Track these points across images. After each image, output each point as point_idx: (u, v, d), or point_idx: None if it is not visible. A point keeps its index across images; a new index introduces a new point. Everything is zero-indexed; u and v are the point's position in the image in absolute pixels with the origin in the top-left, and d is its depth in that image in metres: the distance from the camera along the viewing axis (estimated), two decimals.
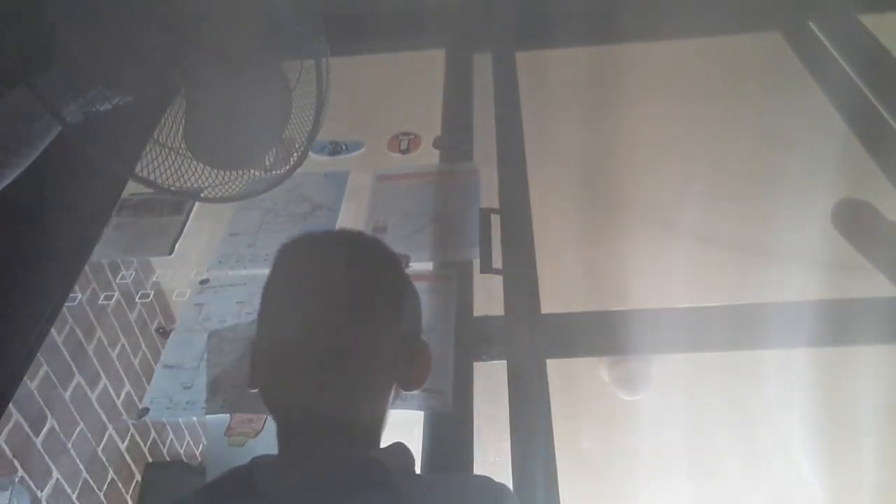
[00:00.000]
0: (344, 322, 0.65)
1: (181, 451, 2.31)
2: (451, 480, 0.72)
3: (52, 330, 1.29)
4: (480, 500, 0.62)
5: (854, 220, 0.82)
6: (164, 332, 2.15)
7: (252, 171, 0.97)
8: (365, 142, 1.45)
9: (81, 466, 1.84)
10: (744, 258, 1.66)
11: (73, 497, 1.80)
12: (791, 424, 1.77)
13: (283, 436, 0.67)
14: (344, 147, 1.43)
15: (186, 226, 1.25)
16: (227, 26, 0.84)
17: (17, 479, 1.60)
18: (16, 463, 1.61)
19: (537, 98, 1.52)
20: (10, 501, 1.55)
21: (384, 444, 0.69)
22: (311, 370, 0.62)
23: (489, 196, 1.24)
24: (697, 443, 1.91)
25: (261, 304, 0.73)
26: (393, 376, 0.70)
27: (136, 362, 2.14)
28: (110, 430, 1.99)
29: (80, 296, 1.79)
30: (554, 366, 0.99)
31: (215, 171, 0.93)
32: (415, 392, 0.93)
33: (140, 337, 2.15)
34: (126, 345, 2.08)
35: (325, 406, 0.62)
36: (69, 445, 1.81)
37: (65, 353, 1.81)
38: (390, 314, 0.70)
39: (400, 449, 0.68)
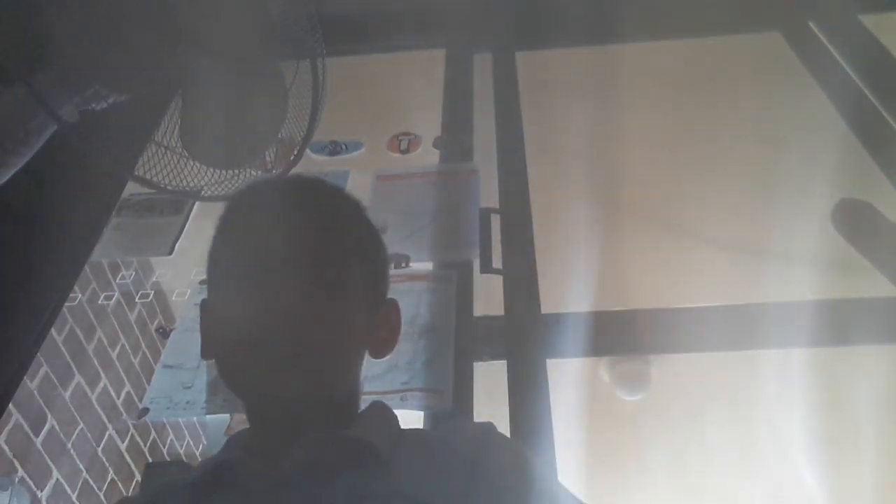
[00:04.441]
0: (308, 295, 0.57)
1: (181, 451, 2.31)
2: (433, 434, 0.67)
3: (52, 330, 1.29)
4: (469, 446, 0.59)
5: (854, 220, 0.82)
6: (164, 332, 2.15)
7: (250, 169, 0.97)
8: (365, 142, 1.45)
9: (81, 466, 1.84)
10: (744, 258, 1.66)
11: (73, 497, 1.80)
12: (790, 424, 1.77)
13: (251, 416, 0.62)
14: (344, 147, 1.43)
15: (186, 226, 1.25)
16: (224, 26, 0.84)
17: (17, 479, 1.60)
18: (16, 463, 1.61)
19: (537, 98, 1.52)
20: (10, 501, 1.55)
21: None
22: (278, 350, 0.56)
23: (489, 196, 1.24)
24: (697, 443, 1.91)
25: (211, 258, 0.66)
26: (362, 345, 0.64)
27: (136, 362, 2.13)
28: (110, 430, 1.99)
29: (80, 296, 1.79)
30: (554, 366, 0.99)
31: (213, 170, 0.94)
32: (415, 392, 0.91)
33: (140, 337, 2.15)
34: (126, 345, 2.08)
35: (295, 389, 0.57)
36: (69, 445, 1.81)
37: (65, 353, 1.81)
38: (363, 278, 0.63)
39: (376, 411, 0.64)
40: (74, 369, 1.85)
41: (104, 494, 1.92)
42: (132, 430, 2.08)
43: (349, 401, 0.64)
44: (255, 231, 0.62)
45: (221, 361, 0.61)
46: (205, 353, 0.65)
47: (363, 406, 0.65)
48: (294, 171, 1.01)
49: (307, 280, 0.58)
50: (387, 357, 0.69)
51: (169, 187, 0.89)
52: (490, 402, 0.95)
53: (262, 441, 0.61)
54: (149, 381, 1.02)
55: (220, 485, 0.57)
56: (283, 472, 0.56)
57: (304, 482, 0.55)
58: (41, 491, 1.69)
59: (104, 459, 1.94)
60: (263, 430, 0.62)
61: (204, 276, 0.72)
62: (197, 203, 1.28)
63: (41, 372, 1.72)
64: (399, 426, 0.64)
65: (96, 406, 1.94)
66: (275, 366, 0.56)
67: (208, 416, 0.97)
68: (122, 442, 2.04)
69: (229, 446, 0.63)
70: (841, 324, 1.03)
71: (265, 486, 0.56)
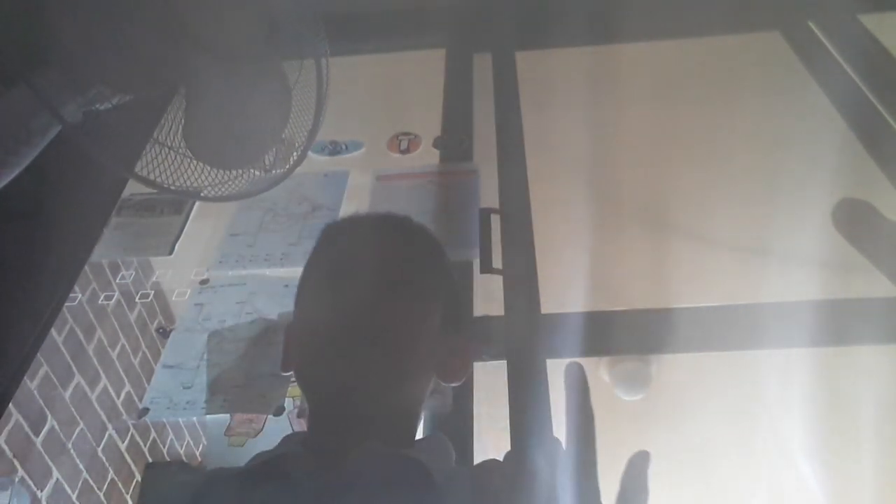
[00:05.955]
0: (385, 302, 0.63)
1: (181, 451, 2.31)
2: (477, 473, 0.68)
3: (52, 330, 1.29)
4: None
5: (854, 220, 0.81)
6: (164, 332, 2.15)
7: (252, 170, 0.97)
8: (365, 142, 1.45)
9: (81, 466, 1.84)
10: (744, 258, 1.66)
11: (73, 497, 1.80)
12: (791, 424, 1.77)
13: (316, 419, 0.65)
14: (344, 147, 1.43)
15: (186, 226, 1.25)
16: (227, 25, 0.84)
17: (17, 479, 1.60)
18: (16, 463, 1.61)
19: (537, 98, 1.52)
20: (10, 501, 1.55)
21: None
22: (348, 350, 0.60)
23: (489, 196, 1.24)
24: (697, 443, 1.91)
25: (300, 285, 0.72)
26: (432, 366, 0.67)
27: (136, 362, 2.14)
28: (110, 430, 1.99)
29: (80, 296, 1.78)
30: (554, 366, 0.99)
31: (215, 170, 0.94)
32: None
33: (140, 337, 2.15)
34: (126, 345, 2.08)
35: (361, 388, 0.60)
36: (69, 445, 1.81)
37: (65, 353, 1.81)
38: (433, 299, 0.67)
39: (438, 442, 0.66)
40: (74, 369, 1.85)
41: (104, 494, 1.92)
42: (132, 430, 2.08)
43: (410, 419, 0.66)
44: (342, 253, 0.69)
45: (299, 363, 0.66)
46: (284, 367, 0.70)
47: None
48: (295, 172, 1.01)
49: (384, 287, 0.63)
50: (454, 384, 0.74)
51: (172, 187, 0.89)
52: (490, 403, 0.95)
53: (321, 441, 0.62)
54: (149, 381, 1.02)
55: (271, 476, 0.58)
56: (337, 476, 0.57)
57: (357, 492, 0.56)
58: (41, 491, 1.69)
59: (104, 459, 1.94)
60: (324, 432, 0.63)
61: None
62: (197, 203, 1.28)
63: (41, 372, 1.72)
64: (453, 459, 0.66)
65: (96, 406, 1.94)
66: (346, 357, 0.60)
67: (208, 416, 0.97)
68: (122, 442, 2.04)
69: (285, 443, 0.65)
70: (841, 324, 1.03)
71: (316, 486, 0.56)
